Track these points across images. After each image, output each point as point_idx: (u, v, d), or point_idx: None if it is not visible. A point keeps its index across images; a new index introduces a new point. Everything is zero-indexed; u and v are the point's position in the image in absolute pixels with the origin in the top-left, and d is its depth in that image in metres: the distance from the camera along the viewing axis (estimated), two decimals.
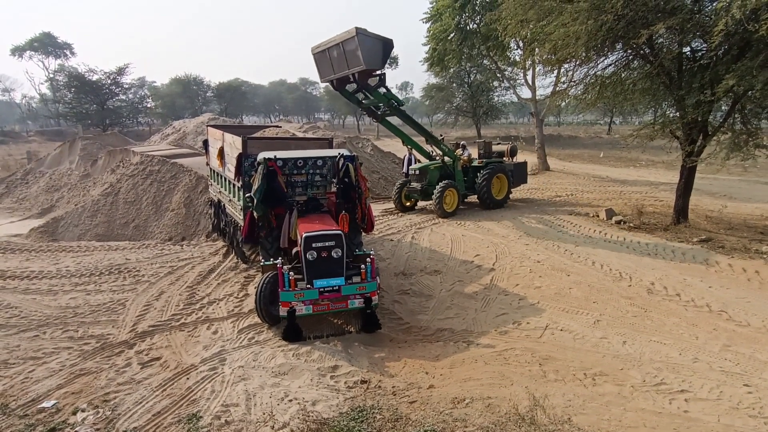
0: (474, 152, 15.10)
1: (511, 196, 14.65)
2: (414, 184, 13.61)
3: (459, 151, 14.30)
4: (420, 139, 14.10)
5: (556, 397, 4.98)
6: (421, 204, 14.24)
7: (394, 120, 13.52)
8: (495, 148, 15.44)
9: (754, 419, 4.54)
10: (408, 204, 13.97)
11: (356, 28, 10.25)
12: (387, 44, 10.81)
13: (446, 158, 13.67)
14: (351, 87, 12.39)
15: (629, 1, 9.21)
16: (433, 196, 12.88)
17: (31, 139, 51.42)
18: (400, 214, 13.72)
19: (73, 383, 5.55)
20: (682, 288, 7.73)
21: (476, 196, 14.03)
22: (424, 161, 14.17)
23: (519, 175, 14.91)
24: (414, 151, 14.72)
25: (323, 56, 11.71)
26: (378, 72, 11.51)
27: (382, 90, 12.13)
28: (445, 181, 13.08)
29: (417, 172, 13.62)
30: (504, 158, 15.00)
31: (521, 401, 4.84)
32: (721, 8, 8.14)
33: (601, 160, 27.33)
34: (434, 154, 13.96)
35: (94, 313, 7.70)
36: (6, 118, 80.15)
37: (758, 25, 7.68)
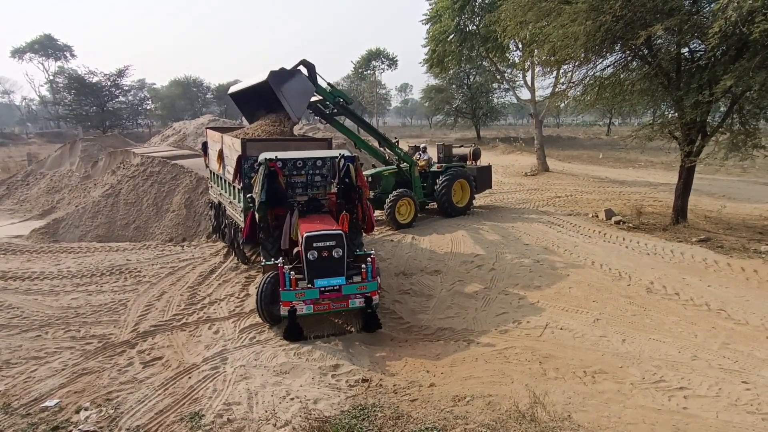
0: (435, 155, 14.18)
1: (474, 202, 13.73)
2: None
3: (416, 156, 13.40)
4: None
5: (556, 394, 5.02)
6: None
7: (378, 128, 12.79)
8: (456, 151, 14.42)
9: (752, 415, 4.58)
10: None
11: (294, 120, 9.48)
12: (280, 77, 9.47)
13: (403, 163, 12.73)
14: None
15: (627, 2, 9.27)
16: (385, 207, 11.86)
17: (31, 141, 51.44)
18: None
19: (76, 382, 5.58)
20: (681, 287, 7.77)
21: (435, 203, 13.14)
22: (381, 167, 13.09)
23: (483, 179, 13.92)
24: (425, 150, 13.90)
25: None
26: (300, 61, 10.38)
27: (326, 86, 11.08)
28: (400, 190, 12.06)
29: (369, 179, 12.33)
30: (467, 162, 14.15)
31: (521, 399, 4.88)
32: (719, 9, 8.21)
33: (601, 160, 27.40)
34: (390, 158, 13.01)
35: (95, 314, 7.72)
36: (6, 120, 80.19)
37: (753, 28, 7.73)
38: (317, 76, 10.63)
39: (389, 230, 12.03)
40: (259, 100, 10.48)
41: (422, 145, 14.27)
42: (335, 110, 11.62)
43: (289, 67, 10.11)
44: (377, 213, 12.68)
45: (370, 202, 12.38)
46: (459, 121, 46.81)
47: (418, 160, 13.35)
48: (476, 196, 13.92)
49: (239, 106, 11.22)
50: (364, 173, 12.70)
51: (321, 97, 11.19)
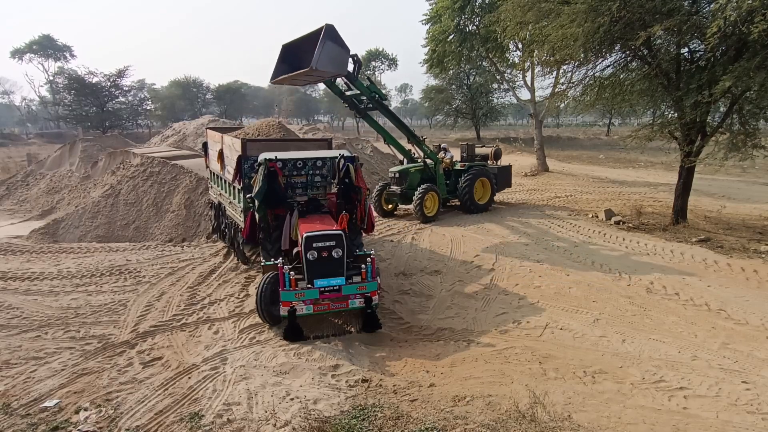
0: (456, 155, 14.73)
1: (495, 200, 14.29)
2: (394, 188, 13.23)
3: (441, 154, 13.91)
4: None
5: (556, 394, 5.01)
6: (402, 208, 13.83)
7: (386, 123, 13.21)
8: (478, 150, 15.08)
9: (752, 415, 4.58)
10: (388, 208, 13.59)
11: (310, 66, 9.44)
12: (331, 34, 9.71)
13: (428, 160, 13.26)
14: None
15: (625, 3, 9.27)
16: (414, 200, 12.52)
17: (30, 142, 51.43)
18: (400, 214, 13.69)
19: (76, 383, 5.57)
20: (681, 287, 7.77)
21: (458, 200, 13.68)
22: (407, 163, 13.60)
23: (503, 178, 14.57)
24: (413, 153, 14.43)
25: (294, 81, 11.11)
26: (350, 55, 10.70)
27: (365, 81, 11.66)
28: (426, 185, 12.75)
29: (397, 174, 13.20)
30: (488, 161, 14.67)
31: (521, 399, 4.88)
32: (718, 10, 8.21)
33: (600, 161, 27.41)
34: (416, 155, 13.54)
35: (95, 314, 7.71)
36: (5, 121, 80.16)
37: (752, 28, 7.72)
38: (359, 73, 11.23)
39: (395, 226, 12.05)
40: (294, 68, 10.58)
41: (443, 145, 14.71)
42: (370, 105, 12.07)
43: None
44: (404, 207, 13.62)
45: (399, 197, 13.14)
46: (459, 122, 46.77)
47: (442, 158, 13.84)
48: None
49: (281, 62, 11.14)
50: (391, 170, 13.48)
51: (358, 92, 11.63)
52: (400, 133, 13.35)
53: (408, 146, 13.50)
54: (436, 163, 13.38)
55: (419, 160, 13.43)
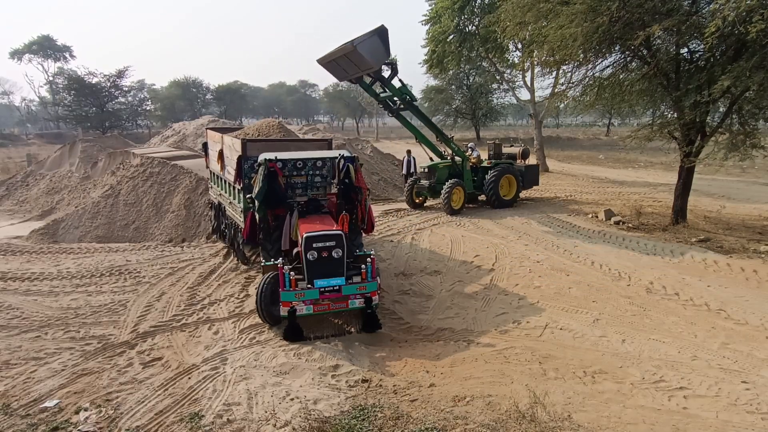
0: (484, 154, 15.51)
1: (521, 196, 14.95)
2: (423, 182, 14.11)
3: (468, 152, 14.65)
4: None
5: (556, 394, 5.02)
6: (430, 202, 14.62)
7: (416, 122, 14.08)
8: (506, 150, 15.76)
9: (751, 415, 4.58)
10: (418, 201, 14.37)
11: (351, 44, 10.46)
12: (382, 33, 10.94)
13: (456, 157, 14.02)
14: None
15: (624, 3, 9.27)
16: (442, 193, 13.31)
17: (30, 142, 51.41)
18: (400, 214, 13.76)
19: (76, 383, 5.57)
20: (681, 287, 7.77)
21: (484, 195, 14.38)
22: (436, 160, 14.53)
23: (530, 177, 15.19)
24: (413, 153, 15.15)
25: (332, 65, 11.99)
26: (388, 60, 11.81)
27: (398, 83, 12.50)
28: (454, 180, 13.51)
29: (426, 169, 14.09)
30: (516, 161, 15.29)
31: (521, 399, 4.88)
32: (717, 10, 8.21)
33: (600, 161, 27.42)
34: (446, 153, 14.36)
35: (95, 314, 7.71)
36: (5, 121, 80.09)
37: (750, 27, 7.71)
38: (394, 77, 12.38)
39: (395, 226, 12.06)
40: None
41: (471, 144, 15.48)
42: (401, 106, 13.01)
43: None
44: (433, 202, 14.44)
45: (427, 191, 13.96)
46: (458, 122, 46.76)
47: (469, 156, 14.52)
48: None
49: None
50: (421, 165, 14.52)
51: (390, 93, 12.59)
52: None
53: (439, 146, 14.33)
54: (463, 159, 14.05)
55: (448, 157, 14.21)
